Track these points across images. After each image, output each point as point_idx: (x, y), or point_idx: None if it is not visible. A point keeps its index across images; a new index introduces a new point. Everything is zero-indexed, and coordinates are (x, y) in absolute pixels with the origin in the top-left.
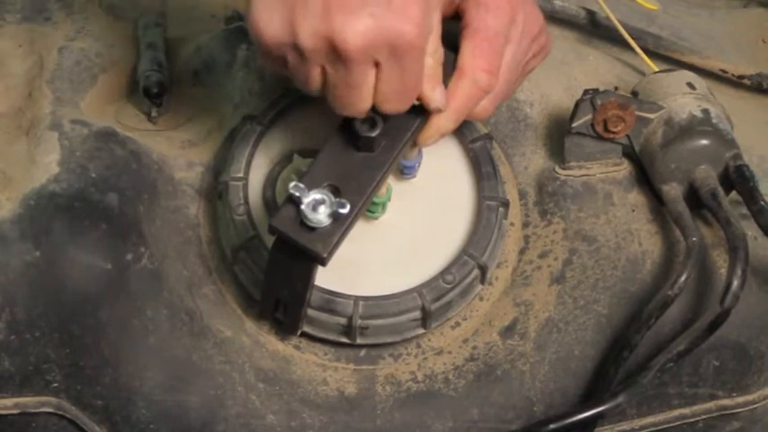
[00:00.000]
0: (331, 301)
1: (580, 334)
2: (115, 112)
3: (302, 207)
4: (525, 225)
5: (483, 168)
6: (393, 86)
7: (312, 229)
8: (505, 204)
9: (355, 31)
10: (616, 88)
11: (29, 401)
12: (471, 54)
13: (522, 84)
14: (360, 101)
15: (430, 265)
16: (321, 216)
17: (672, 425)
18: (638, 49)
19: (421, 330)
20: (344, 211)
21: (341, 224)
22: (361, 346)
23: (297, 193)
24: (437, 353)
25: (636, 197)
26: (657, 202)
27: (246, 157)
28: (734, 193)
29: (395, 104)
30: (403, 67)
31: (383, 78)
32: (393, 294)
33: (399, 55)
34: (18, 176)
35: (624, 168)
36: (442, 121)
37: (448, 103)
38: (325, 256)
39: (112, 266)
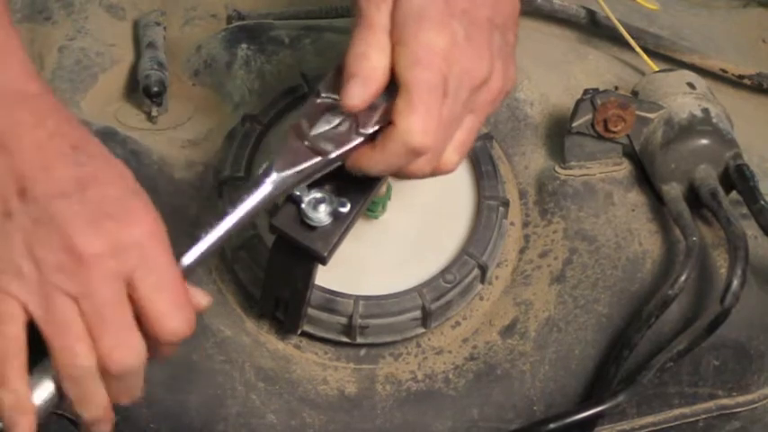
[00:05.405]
0: (331, 300)
1: (580, 333)
2: (115, 111)
3: (303, 206)
4: (525, 224)
5: (483, 168)
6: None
7: (312, 227)
8: (505, 204)
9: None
10: (616, 88)
11: None
12: (405, 113)
13: (523, 83)
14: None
15: (430, 264)
16: (321, 215)
17: (672, 424)
18: (638, 49)
19: (421, 330)
20: (345, 209)
21: (341, 223)
22: (361, 346)
23: (297, 192)
24: (437, 352)
25: (636, 197)
26: (657, 201)
27: (246, 156)
28: (734, 193)
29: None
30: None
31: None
32: (393, 294)
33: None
34: None
35: (624, 168)
36: (363, 162)
37: (374, 155)
38: (325, 255)
39: None
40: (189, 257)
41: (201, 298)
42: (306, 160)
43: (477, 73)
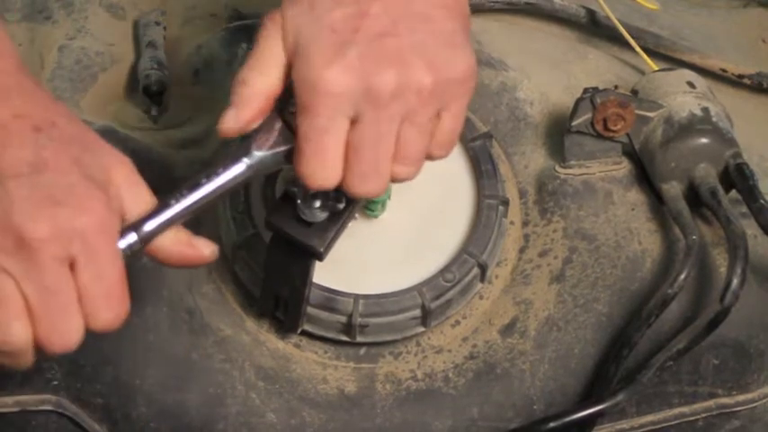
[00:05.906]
0: (331, 299)
1: (580, 332)
2: (115, 110)
3: (298, 202)
4: (525, 224)
5: (483, 167)
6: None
7: (308, 224)
8: (505, 203)
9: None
10: (616, 87)
11: (29, 399)
12: (297, 158)
13: (523, 83)
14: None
15: (430, 263)
16: (317, 211)
17: (671, 423)
18: (637, 49)
19: (421, 329)
20: (341, 206)
21: (337, 219)
22: (360, 345)
23: (293, 189)
24: (437, 351)
25: (636, 196)
26: (657, 200)
27: None
28: (734, 192)
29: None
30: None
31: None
32: (393, 292)
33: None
34: None
35: (624, 167)
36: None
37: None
38: (321, 250)
39: None
40: (153, 223)
41: (204, 247)
42: (286, 143)
43: (384, 85)
